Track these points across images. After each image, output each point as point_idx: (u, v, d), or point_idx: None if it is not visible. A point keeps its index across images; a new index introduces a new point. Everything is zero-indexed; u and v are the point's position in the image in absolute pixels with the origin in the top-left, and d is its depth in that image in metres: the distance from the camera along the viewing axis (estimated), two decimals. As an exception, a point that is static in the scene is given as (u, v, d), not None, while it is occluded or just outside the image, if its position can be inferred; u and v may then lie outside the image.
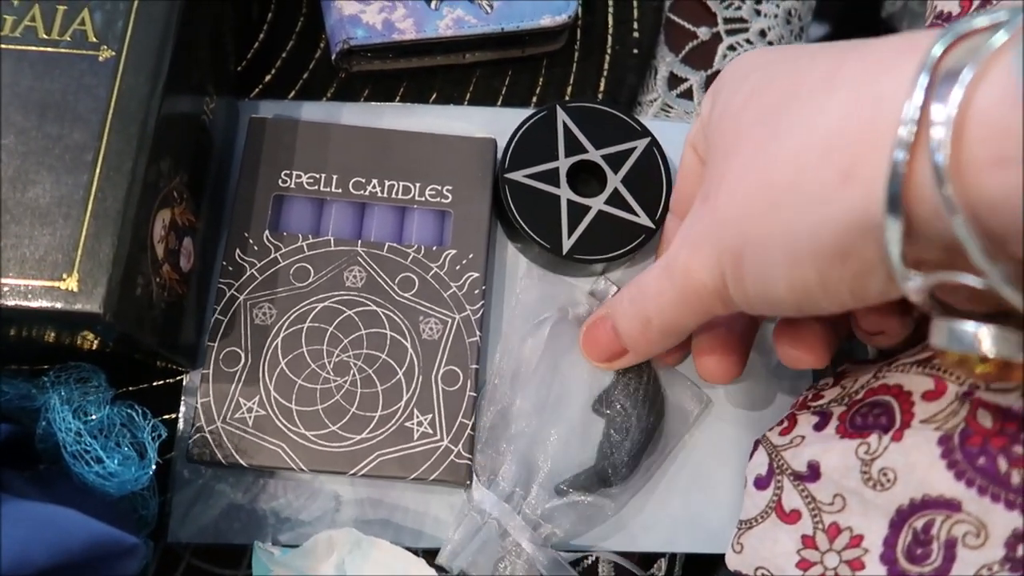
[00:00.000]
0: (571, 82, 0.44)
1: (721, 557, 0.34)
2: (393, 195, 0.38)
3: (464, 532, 0.34)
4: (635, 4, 0.46)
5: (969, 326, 0.21)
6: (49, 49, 0.31)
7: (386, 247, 0.37)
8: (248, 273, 0.37)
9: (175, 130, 0.32)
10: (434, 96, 0.43)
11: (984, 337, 0.21)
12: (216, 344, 0.36)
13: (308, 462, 0.34)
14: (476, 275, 0.37)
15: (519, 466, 0.35)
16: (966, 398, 0.25)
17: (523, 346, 0.37)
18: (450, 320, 0.37)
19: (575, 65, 0.45)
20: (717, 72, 0.46)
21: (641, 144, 0.40)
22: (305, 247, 0.37)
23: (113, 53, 0.31)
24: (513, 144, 0.39)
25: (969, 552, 0.24)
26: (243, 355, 0.35)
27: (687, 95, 0.46)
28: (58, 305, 0.28)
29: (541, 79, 0.44)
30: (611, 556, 0.37)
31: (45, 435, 0.31)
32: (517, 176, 0.38)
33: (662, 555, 0.38)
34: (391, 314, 0.36)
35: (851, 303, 0.24)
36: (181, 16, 0.32)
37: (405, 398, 0.35)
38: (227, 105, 0.39)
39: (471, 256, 0.38)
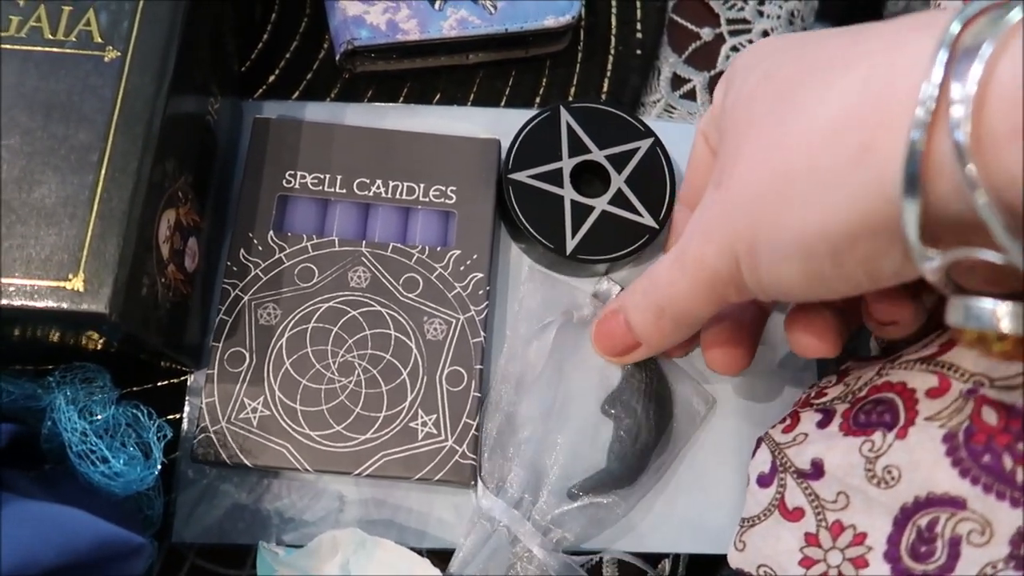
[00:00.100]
0: (574, 83, 0.44)
1: (723, 556, 0.34)
2: (397, 196, 0.38)
3: (474, 540, 0.34)
4: (638, 5, 0.46)
5: (987, 303, 0.21)
6: (54, 49, 0.31)
7: (390, 247, 0.37)
8: (253, 273, 0.37)
9: (180, 130, 0.32)
10: (438, 97, 0.43)
11: (1003, 314, 0.21)
12: (221, 344, 0.36)
13: (313, 462, 0.34)
14: (480, 275, 0.37)
15: (527, 472, 0.35)
16: (970, 395, 0.25)
17: (527, 351, 0.37)
18: (454, 320, 0.37)
19: (578, 66, 0.45)
20: (720, 73, 0.46)
21: (644, 144, 0.40)
22: (309, 247, 0.37)
23: (118, 54, 0.31)
24: (517, 145, 0.39)
25: (974, 550, 0.24)
26: (248, 355, 0.35)
27: (690, 96, 0.46)
28: (64, 305, 0.28)
29: (544, 80, 0.44)
30: (617, 555, 0.36)
31: (50, 435, 0.31)
32: (521, 177, 0.39)
33: (666, 555, 0.38)
34: (395, 314, 0.36)
35: (866, 285, 0.24)
36: (186, 17, 0.32)
37: (410, 398, 0.35)
38: (231, 105, 0.40)
39: (475, 256, 0.38)
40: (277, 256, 0.37)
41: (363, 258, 0.37)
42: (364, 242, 0.37)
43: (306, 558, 0.33)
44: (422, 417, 0.35)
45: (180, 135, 0.32)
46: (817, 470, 0.29)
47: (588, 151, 0.39)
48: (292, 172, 0.38)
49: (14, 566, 0.23)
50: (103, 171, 0.29)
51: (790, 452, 0.30)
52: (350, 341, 0.36)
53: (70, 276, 0.28)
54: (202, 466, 0.36)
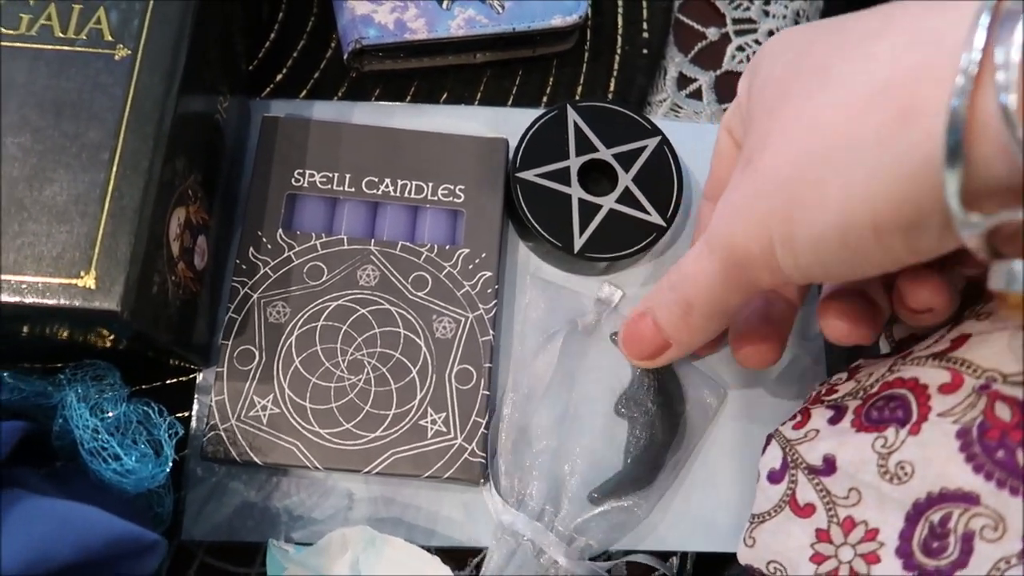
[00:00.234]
0: (581, 82, 0.44)
1: (732, 553, 0.34)
2: (406, 194, 0.38)
3: (500, 556, 0.35)
4: (644, 5, 0.46)
5: None
6: (65, 48, 0.31)
7: (399, 246, 0.37)
8: (262, 272, 0.37)
9: (190, 129, 0.32)
10: (445, 96, 0.43)
11: None
12: (230, 342, 0.36)
13: (322, 460, 0.34)
14: (489, 274, 0.38)
15: (547, 482, 0.35)
16: (983, 391, 0.25)
17: (535, 363, 0.37)
18: (463, 319, 0.37)
19: (585, 65, 0.45)
20: (726, 73, 0.47)
21: (652, 143, 0.40)
22: (318, 246, 0.37)
23: (129, 52, 0.31)
24: (524, 143, 0.39)
25: (987, 545, 0.24)
26: (257, 353, 0.36)
27: (696, 95, 0.46)
28: (76, 303, 0.28)
29: (551, 79, 0.44)
30: (639, 558, 0.37)
31: (62, 432, 0.31)
32: (528, 175, 0.39)
33: (674, 552, 0.38)
34: (404, 313, 0.37)
35: (905, 257, 0.23)
36: (196, 16, 0.32)
37: (419, 396, 0.35)
38: (239, 104, 0.40)
39: (484, 255, 0.38)
40: (286, 254, 0.37)
41: (372, 256, 0.37)
42: (373, 240, 0.38)
43: (316, 556, 0.33)
44: (431, 415, 0.35)
45: (190, 133, 0.32)
46: (829, 466, 0.29)
47: (595, 150, 0.39)
48: (301, 171, 0.38)
49: (29, 563, 0.23)
50: (114, 169, 0.29)
51: (801, 448, 0.30)
52: (359, 339, 0.36)
53: (82, 274, 0.28)
54: (211, 464, 0.36)
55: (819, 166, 0.23)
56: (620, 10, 0.46)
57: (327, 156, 0.39)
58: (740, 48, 0.47)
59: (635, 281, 0.40)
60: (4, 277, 0.28)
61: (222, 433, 0.34)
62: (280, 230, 0.37)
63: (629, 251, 0.38)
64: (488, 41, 0.42)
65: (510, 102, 0.44)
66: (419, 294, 0.37)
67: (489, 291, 0.37)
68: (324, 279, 0.37)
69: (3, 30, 0.31)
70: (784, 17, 0.48)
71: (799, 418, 0.32)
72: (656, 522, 0.37)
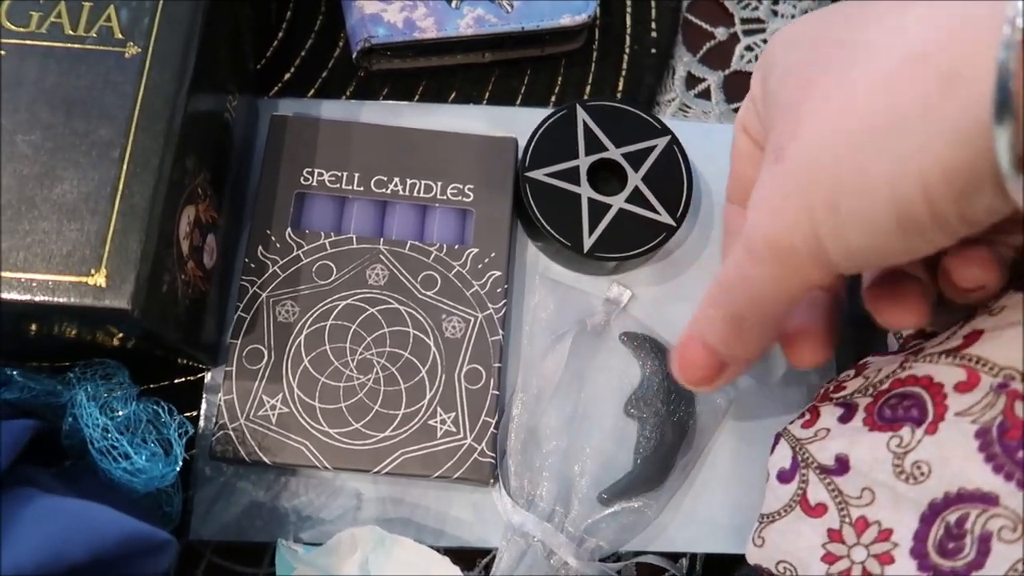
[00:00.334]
0: (589, 81, 0.44)
1: (741, 555, 0.34)
2: (415, 194, 0.38)
3: (510, 557, 0.34)
4: (653, 4, 0.46)
5: None
6: (75, 46, 0.31)
7: (408, 245, 0.37)
8: (271, 270, 0.37)
9: (199, 127, 0.32)
10: (453, 95, 0.43)
11: None
12: (239, 341, 0.36)
13: (332, 460, 0.34)
14: (498, 274, 0.37)
15: (557, 483, 0.35)
16: (1002, 390, 0.25)
17: (544, 364, 0.37)
18: (472, 319, 0.37)
19: (593, 65, 0.45)
20: (735, 72, 0.46)
21: (661, 142, 0.40)
22: (327, 245, 0.37)
23: (139, 50, 0.31)
24: (533, 143, 0.39)
25: (1004, 546, 0.24)
26: (266, 352, 0.35)
27: (705, 95, 0.46)
28: (87, 301, 0.28)
29: (560, 78, 0.44)
30: (649, 559, 0.36)
31: (71, 431, 0.30)
32: (537, 175, 0.38)
33: (684, 553, 0.38)
34: (414, 312, 0.36)
35: (960, 228, 0.22)
36: (206, 14, 0.32)
37: (428, 396, 0.35)
38: (247, 103, 0.39)
39: (493, 255, 0.38)
40: (295, 253, 0.37)
41: (381, 256, 0.37)
42: (382, 240, 0.37)
43: (325, 556, 0.33)
44: (441, 415, 0.35)
45: (199, 132, 0.32)
46: (842, 466, 0.29)
47: (605, 149, 0.39)
48: (310, 169, 0.38)
49: (43, 563, 0.22)
50: (124, 167, 0.29)
51: (812, 448, 0.30)
52: (368, 339, 0.36)
53: (92, 272, 0.28)
54: (219, 463, 0.36)
55: (860, 147, 0.22)
56: (629, 10, 0.46)
57: (336, 155, 0.39)
58: (749, 48, 0.47)
59: (644, 281, 0.40)
60: (14, 275, 0.28)
61: (231, 432, 0.34)
62: (289, 229, 0.37)
63: (639, 251, 0.38)
64: (497, 40, 0.42)
65: (518, 101, 0.44)
66: (428, 293, 0.37)
67: (498, 291, 0.37)
68: (333, 278, 0.37)
69: (13, 28, 0.31)
70: (792, 17, 0.48)
71: (808, 416, 0.31)
72: (666, 523, 0.37)
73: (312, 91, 0.43)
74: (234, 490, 0.36)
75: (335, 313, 0.36)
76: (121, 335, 0.31)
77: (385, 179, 0.38)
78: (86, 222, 0.29)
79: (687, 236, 0.41)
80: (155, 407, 0.31)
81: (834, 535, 0.29)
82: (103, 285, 0.28)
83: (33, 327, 0.31)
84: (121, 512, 0.26)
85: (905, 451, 0.26)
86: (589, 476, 0.36)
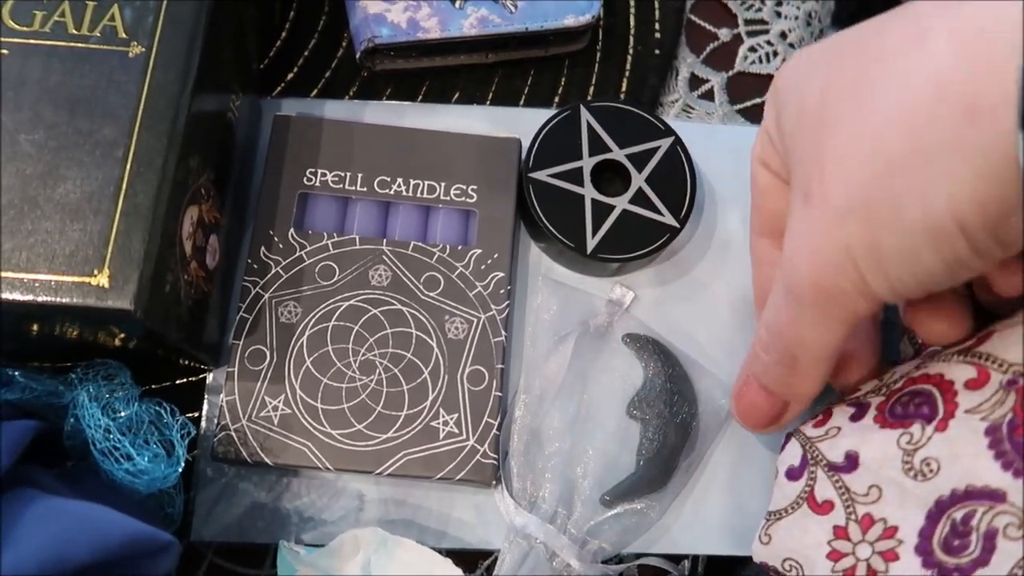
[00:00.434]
0: (593, 82, 0.44)
1: (744, 557, 0.34)
2: (418, 194, 0.38)
3: (513, 559, 0.34)
4: (656, 5, 0.46)
5: None
6: (79, 45, 0.31)
7: (411, 246, 0.37)
8: (273, 271, 0.36)
9: (203, 127, 0.32)
10: (456, 95, 0.43)
11: None
12: (241, 342, 0.35)
13: (334, 461, 0.34)
14: (501, 275, 0.37)
15: (559, 485, 0.35)
16: (1011, 387, 0.25)
17: (547, 366, 0.37)
18: (475, 320, 0.37)
19: (597, 65, 0.45)
20: (738, 73, 0.46)
21: (665, 143, 0.40)
22: (330, 245, 0.37)
23: (143, 49, 0.31)
24: (537, 144, 0.39)
25: (1010, 544, 0.24)
26: (268, 353, 0.35)
27: (708, 96, 0.46)
28: (89, 301, 0.28)
29: (563, 79, 0.44)
30: (651, 562, 0.36)
31: (73, 432, 0.30)
32: (541, 176, 0.38)
33: (686, 555, 0.38)
34: (416, 313, 0.36)
35: (998, 251, 0.22)
36: (210, 14, 0.32)
37: (431, 397, 0.35)
38: (250, 103, 0.39)
39: (496, 256, 0.38)
40: (298, 254, 0.37)
41: (384, 256, 0.37)
42: (385, 240, 0.37)
43: (327, 557, 0.33)
44: (443, 416, 0.35)
45: (203, 132, 0.32)
46: (851, 463, 0.29)
47: (608, 150, 0.39)
48: (312, 170, 0.38)
49: (45, 564, 0.22)
50: (128, 167, 0.29)
51: (822, 446, 0.30)
52: (371, 339, 0.36)
53: (95, 272, 0.28)
54: (221, 464, 0.35)
55: (891, 186, 0.22)
56: (632, 10, 0.46)
57: (339, 155, 0.39)
58: (752, 49, 0.47)
59: (647, 282, 0.40)
60: (17, 275, 0.27)
61: (233, 433, 0.34)
62: (292, 229, 0.37)
63: (642, 252, 0.38)
64: (500, 41, 0.42)
65: (522, 102, 0.43)
66: (431, 294, 0.37)
67: (501, 292, 0.37)
68: (336, 279, 0.37)
69: (17, 27, 0.31)
70: (796, 18, 0.48)
71: (820, 416, 0.31)
72: (669, 525, 0.37)
73: (315, 91, 0.43)
74: (236, 491, 0.36)
75: (338, 314, 0.36)
76: (123, 335, 0.31)
77: (388, 180, 0.38)
78: (89, 222, 0.28)
79: (690, 237, 0.41)
80: (157, 408, 0.31)
81: (840, 532, 0.29)
82: (106, 285, 0.28)
83: (35, 327, 0.31)
84: (123, 513, 0.26)
85: (915, 448, 0.26)
86: (592, 478, 0.36)
